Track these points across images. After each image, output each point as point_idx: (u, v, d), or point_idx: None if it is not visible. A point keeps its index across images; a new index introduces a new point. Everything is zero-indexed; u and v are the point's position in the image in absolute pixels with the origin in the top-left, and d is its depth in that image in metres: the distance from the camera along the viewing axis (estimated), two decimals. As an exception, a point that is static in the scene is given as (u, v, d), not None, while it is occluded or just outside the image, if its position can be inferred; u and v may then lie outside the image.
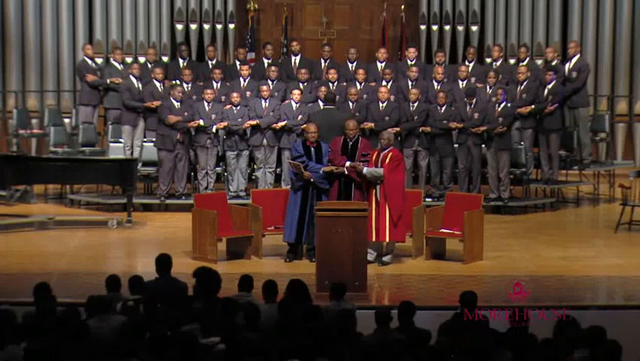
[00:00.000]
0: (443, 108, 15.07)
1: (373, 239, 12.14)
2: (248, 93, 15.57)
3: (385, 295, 11.42)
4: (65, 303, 8.65)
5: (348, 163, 12.34)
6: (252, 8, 18.80)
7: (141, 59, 17.35)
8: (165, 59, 17.98)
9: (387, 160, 12.25)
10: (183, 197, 15.25)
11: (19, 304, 8.96)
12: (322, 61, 16.42)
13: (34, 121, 17.83)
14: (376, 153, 12.36)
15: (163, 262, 9.35)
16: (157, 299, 8.48)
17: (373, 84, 15.72)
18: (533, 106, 15.46)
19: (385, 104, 15.05)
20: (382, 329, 7.98)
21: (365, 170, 12.23)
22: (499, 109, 14.96)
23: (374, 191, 12.24)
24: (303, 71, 15.75)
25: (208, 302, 8.51)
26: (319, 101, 14.86)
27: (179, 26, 18.65)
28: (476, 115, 14.98)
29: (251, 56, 17.81)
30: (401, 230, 12.32)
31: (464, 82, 15.72)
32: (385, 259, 12.36)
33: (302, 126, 14.42)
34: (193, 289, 8.95)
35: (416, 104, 15.10)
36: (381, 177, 12.20)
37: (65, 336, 7.25)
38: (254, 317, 8.02)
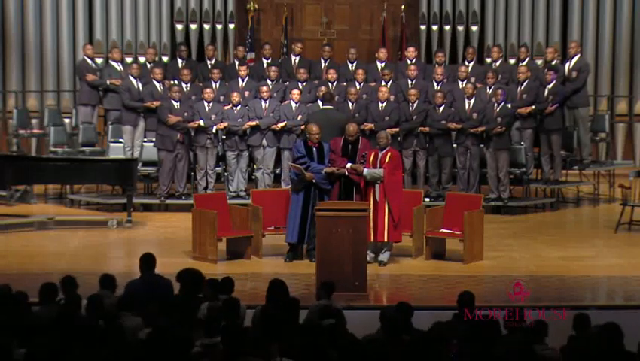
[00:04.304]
0: (441, 108, 15.06)
1: (372, 239, 12.08)
2: (246, 93, 15.56)
3: (385, 295, 11.43)
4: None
5: (349, 165, 12.31)
6: (252, 8, 18.79)
7: (141, 59, 17.34)
8: (165, 59, 17.97)
9: (386, 160, 12.23)
10: (183, 197, 15.23)
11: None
12: (322, 61, 16.41)
13: (34, 121, 17.81)
14: (374, 153, 12.34)
15: (147, 260, 9.36)
16: (141, 298, 8.51)
17: (372, 84, 15.71)
18: (533, 106, 15.44)
19: (384, 104, 15.05)
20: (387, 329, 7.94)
21: (365, 171, 12.19)
22: (498, 109, 14.96)
23: (373, 191, 12.23)
24: (302, 70, 15.74)
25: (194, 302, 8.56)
26: (319, 101, 14.85)
27: (179, 26, 18.64)
28: (474, 115, 14.97)
29: (251, 55, 17.80)
30: (399, 230, 12.31)
31: (464, 82, 15.70)
32: (382, 258, 12.31)
33: (301, 127, 14.43)
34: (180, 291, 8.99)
35: (415, 104, 15.10)
36: (381, 178, 12.18)
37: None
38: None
